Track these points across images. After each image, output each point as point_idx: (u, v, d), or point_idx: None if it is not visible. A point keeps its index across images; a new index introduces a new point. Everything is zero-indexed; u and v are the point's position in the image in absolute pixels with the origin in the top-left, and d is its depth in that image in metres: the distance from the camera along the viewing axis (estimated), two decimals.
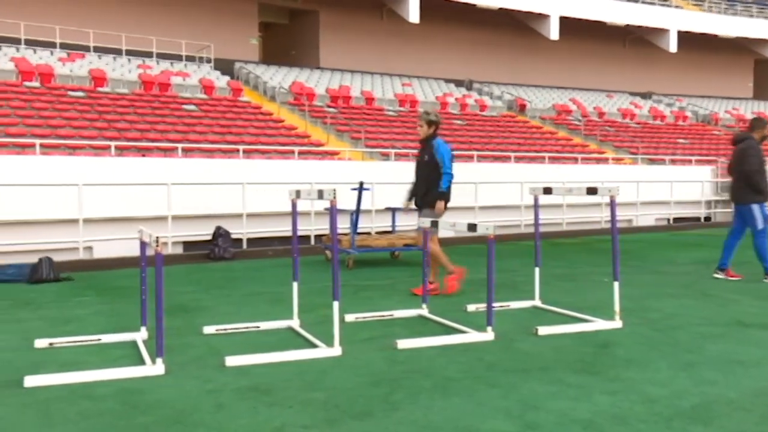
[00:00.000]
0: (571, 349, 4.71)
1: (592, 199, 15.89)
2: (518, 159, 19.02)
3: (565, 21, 28.81)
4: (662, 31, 31.31)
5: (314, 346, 4.80)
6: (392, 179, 13.98)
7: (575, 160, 20.20)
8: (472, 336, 5.06)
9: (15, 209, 10.24)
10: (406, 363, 4.38)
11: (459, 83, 29.00)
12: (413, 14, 25.36)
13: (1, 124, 14.53)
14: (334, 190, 4.55)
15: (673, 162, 21.96)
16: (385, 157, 17.59)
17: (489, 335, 5.06)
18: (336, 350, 4.60)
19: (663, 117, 30.04)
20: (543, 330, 5.22)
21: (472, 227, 5.08)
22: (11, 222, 10.18)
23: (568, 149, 22.36)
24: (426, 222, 6.04)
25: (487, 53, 30.88)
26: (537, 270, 6.51)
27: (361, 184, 9.61)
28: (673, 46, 31.25)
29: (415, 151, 8.40)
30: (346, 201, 9.53)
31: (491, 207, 15.05)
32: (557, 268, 9.13)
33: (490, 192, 15.10)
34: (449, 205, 6.99)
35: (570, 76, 32.56)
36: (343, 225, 9.69)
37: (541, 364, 4.34)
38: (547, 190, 6.10)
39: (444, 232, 13.01)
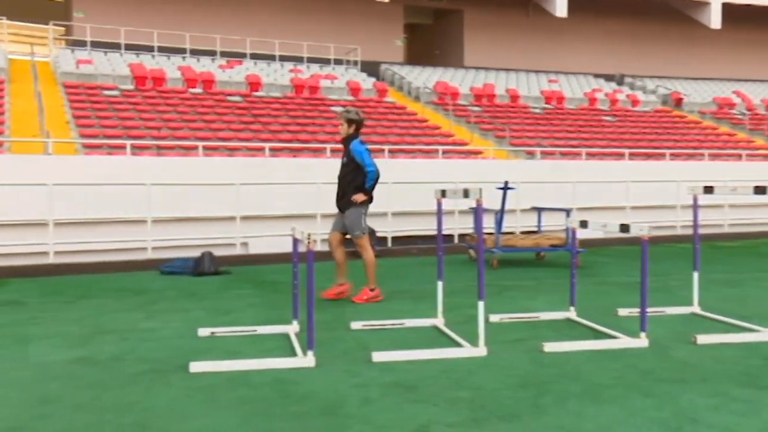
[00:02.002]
0: (734, 360, 4.38)
1: (759, 199, 14.69)
2: (674, 156, 17.96)
3: (727, 8, 26.83)
4: None
5: (459, 345, 4.79)
6: (538, 178, 13.69)
7: (739, 156, 18.77)
8: (624, 342, 4.84)
9: (180, 207, 11.04)
10: (554, 366, 4.27)
11: (609, 78, 27.86)
12: (561, 8, 24.66)
13: (169, 127, 15.75)
14: (480, 189, 4.52)
15: None
16: (531, 155, 17.25)
17: (642, 342, 4.81)
18: (481, 350, 4.57)
19: None
20: (702, 338, 4.89)
21: (624, 228, 4.86)
22: (178, 219, 10.98)
23: (730, 145, 20.81)
24: (575, 222, 5.85)
25: (640, 45, 29.43)
26: (695, 274, 6.11)
27: (506, 183, 9.48)
28: None
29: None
30: (491, 200, 9.44)
31: (644, 207, 14.33)
32: (718, 273, 8.53)
33: (642, 191, 14.39)
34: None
35: (733, 66, 30.30)
36: (488, 224, 9.60)
37: (700, 375, 4.07)
38: (708, 189, 5.71)
39: (589, 233, 12.56)
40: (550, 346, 4.67)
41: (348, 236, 6.81)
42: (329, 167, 12.82)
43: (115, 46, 21.59)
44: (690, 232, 13.27)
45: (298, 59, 23.81)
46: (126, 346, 4.88)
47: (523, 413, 3.42)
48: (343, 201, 6.70)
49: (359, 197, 6.58)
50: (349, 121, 6.69)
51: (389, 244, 12.01)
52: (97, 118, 15.79)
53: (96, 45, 21.44)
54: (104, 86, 18.17)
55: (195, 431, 3.21)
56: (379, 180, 6.69)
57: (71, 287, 7.80)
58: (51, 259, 9.78)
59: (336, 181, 6.81)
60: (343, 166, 6.72)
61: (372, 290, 6.72)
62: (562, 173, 14.24)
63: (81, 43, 21.82)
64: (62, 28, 24.50)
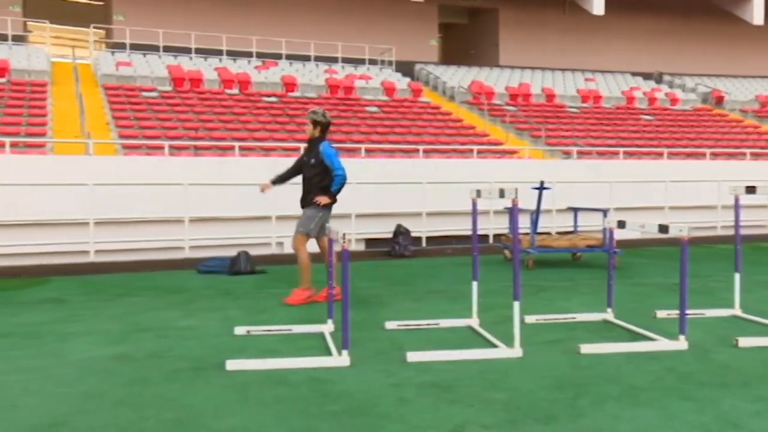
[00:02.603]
0: None
1: None
2: (714, 156, 17.61)
3: None
4: None
5: (494, 346, 4.77)
6: (574, 178, 13.54)
7: None
8: (663, 344, 4.76)
9: (217, 206, 11.17)
10: (591, 368, 4.22)
11: (647, 76, 27.41)
12: (598, 6, 24.32)
13: (206, 128, 15.95)
14: (516, 189, 4.49)
15: None
16: (567, 155, 17.07)
17: (681, 344, 4.73)
18: (517, 351, 4.54)
19: None
20: (745, 341, 4.79)
21: (663, 228, 4.78)
22: (214, 218, 11.12)
23: None
24: (612, 222, 5.77)
25: (679, 42, 28.90)
26: (737, 276, 5.98)
27: (542, 183, 9.40)
28: None
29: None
30: (526, 200, 9.36)
31: (683, 207, 14.08)
32: (761, 275, 8.34)
33: (682, 191, 14.14)
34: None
35: None
36: (523, 225, 9.52)
37: (742, 379, 3.99)
38: (750, 189, 5.59)
39: (626, 234, 12.38)
40: (586, 348, 4.62)
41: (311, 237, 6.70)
42: (364, 167, 12.87)
43: (153, 48, 21.93)
44: (731, 232, 12.99)
45: (333, 60, 23.91)
46: (164, 344, 4.96)
47: (560, 415, 3.39)
48: (307, 200, 6.65)
49: (323, 199, 6.53)
50: (315, 123, 6.63)
51: (424, 244, 12.00)
52: (136, 119, 16.06)
53: (135, 47, 21.81)
54: (143, 88, 18.47)
55: (232, 428, 3.25)
56: (346, 183, 6.63)
57: (111, 285, 7.95)
58: (91, 258, 9.98)
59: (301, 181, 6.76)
60: (310, 167, 6.62)
61: (306, 290, 6.62)
62: (599, 173, 14.06)
63: (120, 46, 22.22)
64: (102, 31, 24.98)
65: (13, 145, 12.44)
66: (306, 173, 6.71)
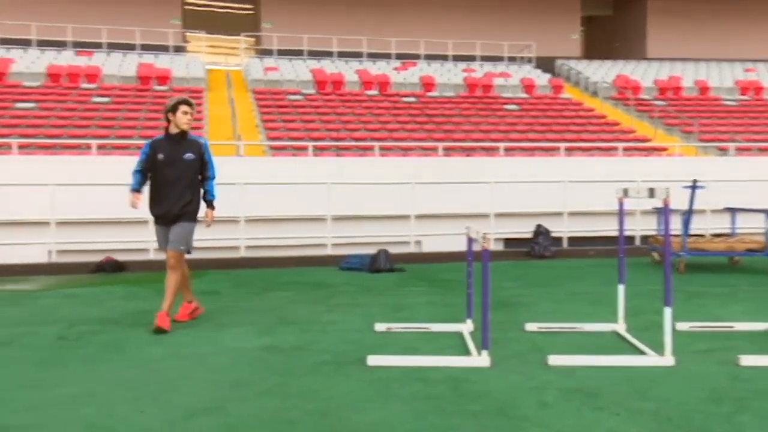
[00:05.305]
0: None
1: None
2: None
3: None
4: None
5: (642, 353, 4.54)
6: (731, 176, 12.60)
7: None
8: None
9: (358, 205, 11.44)
10: (752, 382, 3.91)
11: None
12: None
13: (347, 129, 16.39)
14: (667, 188, 4.24)
15: None
16: (723, 152, 15.94)
17: None
18: (668, 359, 4.29)
19: None
20: None
21: None
22: (355, 217, 11.39)
23: None
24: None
25: None
26: None
27: (695, 181, 8.84)
28: None
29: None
30: (677, 200, 8.84)
31: None
32: None
33: None
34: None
35: None
36: (673, 226, 9.00)
37: None
38: None
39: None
40: (747, 360, 4.28)
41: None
42: (503, 166, 12.71)
43: (298, 53, 22.85)
44: None
45: (471, 58, 23.79)
46: (308, 337, 5.14)
47: (716, 430, 3.17)
48: (190, 207, 5.59)
49: (213, 214, 5.79)
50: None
51: (565, 244, 11.65)
52: (283, 121, 16.80)
53: (281, 53, 22.83)
54: (289, 91, 19.29)
55: (373, 422, 3.31)
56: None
57: (258, 280, 8.37)
58: (242, 254, 10.55)
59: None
60: (185, 164, 5.54)
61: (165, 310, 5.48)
62: (761, 171, 13.00)
63: (268, 52, 23.33)
64: (252, 39, 26.35)
65: None
66: (180, 171, 5.59)
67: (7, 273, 9.16)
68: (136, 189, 5.56)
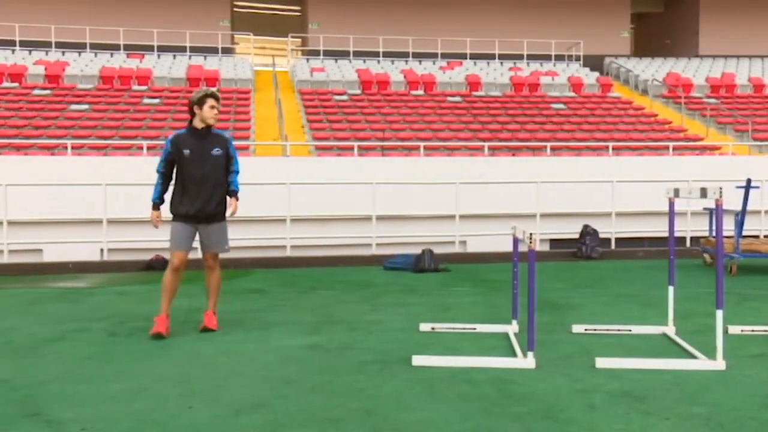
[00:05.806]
0: None
1: None
2: None
3: None
4: None
5: (692, 356, 4.44)
6: None
7: None
8: None
9: (403, 205, 11.45)
10: None
11: None
12: None
13: (392, 129, 16.42)
14: (720, 188, 4.14)
15: None
16: None
17: None
18: (719, 364, 4.19)
19: None
20: None
21: None
22: (400, 216, 11.41)
23: None
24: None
25: None
26: None
27: (749, 181, 8.61)
28: None
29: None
30: (730, 200, 8.62)
31: None
32: None
33: None
34: None
35: None
36: (726, 227, 8.77)
37: None
38: None
39: None
40: None
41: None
42: (549, 166, 12.56)
43: (344, 54, 22.97)
44: None
45: (518, 57, 23.57)
46: (354, 336, 5.17)
47: None
48: (221, 208, 5.43)
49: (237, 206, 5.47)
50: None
51: (612, 245, 11.46)
52: (329, 121, 16.92)
53: (328, 54, 22.97)
54: (335, 92, 19.41)
55: (419, 422, 3.31)
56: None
57: (304, 278, 8.45)
58: (288, 253, 10.67)
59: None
60: (213, 159, 5.36)
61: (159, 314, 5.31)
62: None
63: (315, 53, 23.52)
64: (299, 40, 26.60)
65: None
66: (209, 168, 5.43)
67: (61, 270, 9.46)
68: (157, 201, 5.43)
